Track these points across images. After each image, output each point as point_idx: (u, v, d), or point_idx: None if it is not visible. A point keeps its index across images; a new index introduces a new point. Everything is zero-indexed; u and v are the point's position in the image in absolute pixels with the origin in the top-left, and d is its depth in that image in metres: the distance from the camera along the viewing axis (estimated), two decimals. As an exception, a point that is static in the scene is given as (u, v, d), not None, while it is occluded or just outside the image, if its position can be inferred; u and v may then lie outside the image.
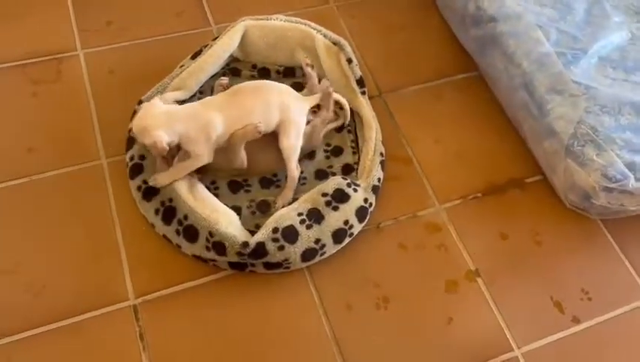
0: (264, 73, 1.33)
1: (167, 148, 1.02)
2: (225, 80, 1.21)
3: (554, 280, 1.13)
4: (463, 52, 1.45)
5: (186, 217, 1.06)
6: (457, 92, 1.40)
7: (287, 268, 1.08)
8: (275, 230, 1.05)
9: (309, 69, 1.23)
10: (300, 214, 1.08)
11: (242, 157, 1.11)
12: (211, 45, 1.27)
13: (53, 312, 1.01)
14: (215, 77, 1.28)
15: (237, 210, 1.11)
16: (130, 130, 1.17)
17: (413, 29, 1.51)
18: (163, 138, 1.01)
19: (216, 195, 1.12)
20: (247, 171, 1.16)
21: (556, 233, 1.19)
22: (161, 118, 1.03)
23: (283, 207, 1.12)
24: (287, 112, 1.10)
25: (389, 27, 1.50)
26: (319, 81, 1.23)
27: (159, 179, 1.08)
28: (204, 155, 1.07)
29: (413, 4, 1.56)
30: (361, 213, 1.12)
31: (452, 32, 1.48)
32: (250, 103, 1.09)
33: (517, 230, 1.19)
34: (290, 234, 1.05)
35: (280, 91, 1.13)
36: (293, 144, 1.11)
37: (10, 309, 1.00)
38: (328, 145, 1.25)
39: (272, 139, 1.11)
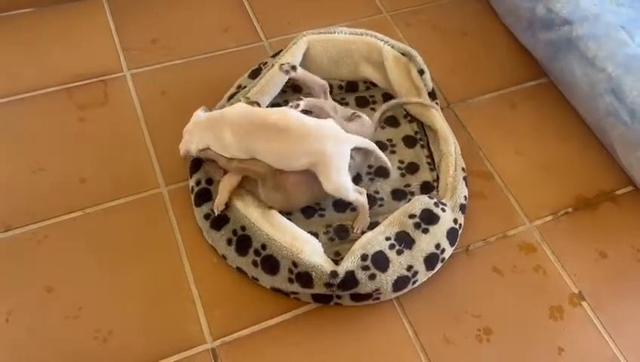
0: (326, 88, 1.24)
1: (191, 155, 1.04)
2: (286, 66, 1.10)
3: (665, 300, 1.03)
4: (530, 58, 1.37)
5: (263, 246, 0.96)
6: (529, 100, 1.31)
7: (377, 299, 0.97)
8: (364, 257, 0.95)
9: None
10: (387, 238, 0.98)
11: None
12: (272, 65, 1.17)
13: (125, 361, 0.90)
14: (277, 97, 1.18)
15: (313, 236, 1.01)
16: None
17: (473, 36, 1.42)
18: (188, 145, 1.03)
19: (289, 220, 1.02)
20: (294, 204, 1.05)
21: (658, 248, 1.10)
22: (195, 126, 1.04)
23: (363, 232, 1.02)
24: (322, 157, 0.97)
25: (447, 34, 1.42)
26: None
27: (217, 202, 1.01)
28: (233, 156, 1.01)
29: (469, 11, 1.48)
30: (451, 235, 1.02)
31: (515, 38, 1.40)
32: (267, 143, 0.98)
33: (616, 247, 1.09)
34: (380, 260, 0.95)
35: (316, 138, 0.97)
36: (335, 183, 0.98)
37: (79, 360, 0.90)
38: (402, 161, 1.16)
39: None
